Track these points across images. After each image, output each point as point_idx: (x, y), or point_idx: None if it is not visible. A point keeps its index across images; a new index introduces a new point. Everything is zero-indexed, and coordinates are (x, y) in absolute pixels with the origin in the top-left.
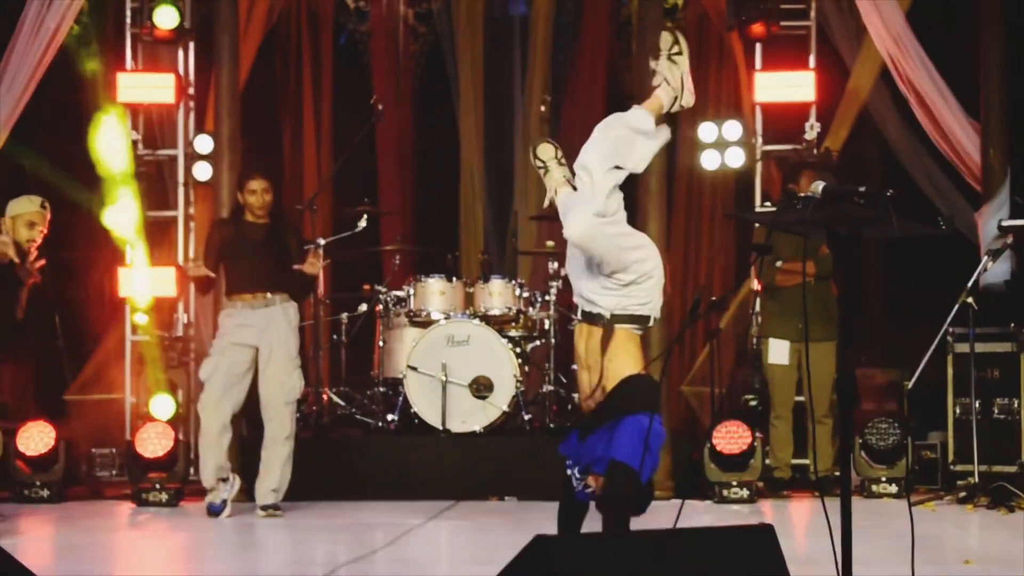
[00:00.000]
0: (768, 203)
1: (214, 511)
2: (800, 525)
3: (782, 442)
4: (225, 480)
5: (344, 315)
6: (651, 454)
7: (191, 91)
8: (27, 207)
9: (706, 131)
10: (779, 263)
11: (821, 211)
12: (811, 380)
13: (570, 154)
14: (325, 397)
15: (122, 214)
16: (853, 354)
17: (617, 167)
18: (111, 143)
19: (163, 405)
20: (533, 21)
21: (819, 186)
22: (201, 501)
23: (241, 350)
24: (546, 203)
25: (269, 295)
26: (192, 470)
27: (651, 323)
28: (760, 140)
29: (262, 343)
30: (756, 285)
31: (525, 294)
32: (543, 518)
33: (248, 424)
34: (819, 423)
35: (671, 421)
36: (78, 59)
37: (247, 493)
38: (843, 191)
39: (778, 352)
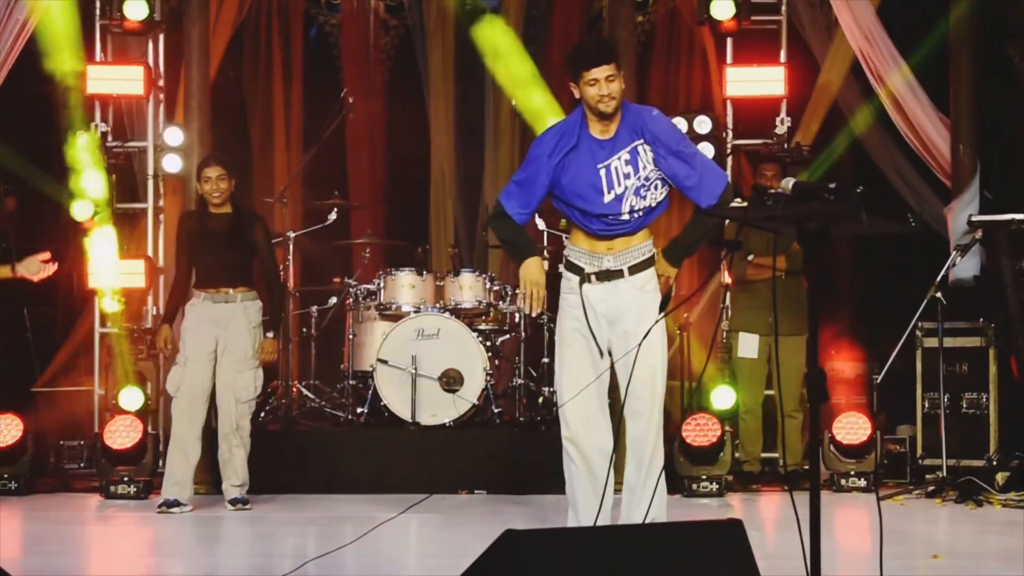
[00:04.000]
0: (739, 199)
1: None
2: (769, 519)
3: (752, 436)
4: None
5: (314, 308)
6: None
7: (161, 83)
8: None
9: (677, 125)
10: (750, 257)
11: (791, 208)
12: (781, 374)
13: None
14: (295, 390)
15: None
16: (822, 349)
17: None
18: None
19: (132, 397)
20: (504, 14)
21: (789, 183)
22: None
23: (204, 359)
24: None
25: (230, 291)
26: (160, 462)
27: None
28: (731, 134)
29: (219, 339)
30: (727, 279)
31: (495, 287)
32: (513, 511)
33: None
34: (789, 417)
35: None
36: (47, 51)
37: (215, 487)
38: (813, 188)
39: (747, 346)
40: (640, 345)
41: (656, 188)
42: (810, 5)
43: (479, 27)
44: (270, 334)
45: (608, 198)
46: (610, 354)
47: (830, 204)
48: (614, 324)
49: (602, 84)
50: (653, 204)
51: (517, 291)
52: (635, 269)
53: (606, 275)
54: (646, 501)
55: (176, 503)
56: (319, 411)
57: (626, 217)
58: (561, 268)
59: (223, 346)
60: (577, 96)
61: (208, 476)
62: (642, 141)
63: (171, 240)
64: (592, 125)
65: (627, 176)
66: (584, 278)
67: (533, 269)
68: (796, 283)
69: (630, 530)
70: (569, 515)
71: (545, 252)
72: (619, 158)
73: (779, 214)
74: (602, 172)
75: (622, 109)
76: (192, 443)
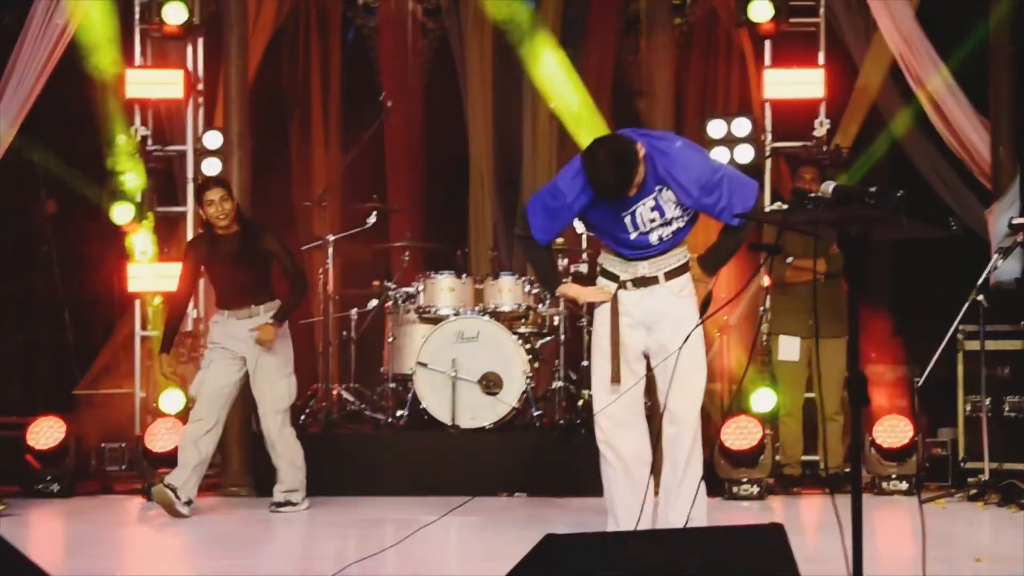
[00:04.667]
0: (779, 202)
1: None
2: (810, 523)
3: (792, 439)
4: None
5: (353, 311)
6: None
7: (200, 87)
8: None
9: (715, 127)
10: (790, 259)
11: (832, 211)
12: (822, 377)
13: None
14: (335, 393)
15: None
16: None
17: None
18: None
19: (172, 400)
20: (542, 16)
21: (829, 186)
22: (212, 496)
23: (229, 362)
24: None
25: (252, 307)
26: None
27: None
28: (769, 137)
29: (249, 353)
30: (766, 282)
31: (535, 291)
32: (553, 514)
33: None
34: (830, 420)
35: None
36: (87, 55)
37: (257, 490)
38: (854, 191)
39: (788, 349)
40: (679, 349)
41: (684, 220)
42: (848, 7)
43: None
44: (271, 320)
45: (635, 235)
46: (647, 358)
47: (870, 208)
48: (651, 329)
49: None
50: (681, 225)
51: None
52: (670, 275)
53: (642, 281)
54: (682, 504)
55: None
56: (359, 414)
57: (655, 243)
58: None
59: (254, 360)
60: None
61: (249, 479)
62: (665, 187)
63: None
64: None
65: (652, 220)
66: (621, 284)
67: (573, 286)
68: (836, 286)
69: (671, 535)
70: (608, 520)
71: (584, 255)
72: (644, 204)
73: (819, 218)
74: (627, 219)
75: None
76: (206, 443)
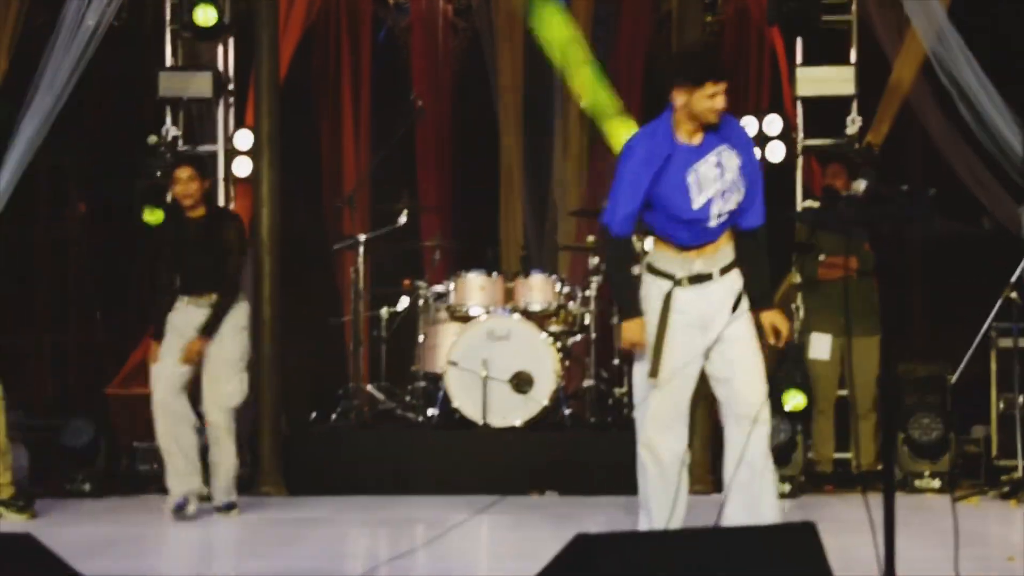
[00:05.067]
0: (810, 200)
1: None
2: (842, 521)
3: (824, 437)
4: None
5: (384, 310)
6: None
7: (231, 87)
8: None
9: (746, 125)
10: (822, 257)
11: (864, 210)
12: (855, 375)
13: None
14: (366, 392)
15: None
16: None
17: None
18: None
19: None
20: (573, 15)
21: (861, 185)
22: (243, 496)
23: (180, 354)
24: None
25: (214, 296)
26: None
27: None
28: (801, 134)
29: (212, 344)
30: (797, 279)
31: (565, 289)
32: (584, 513)
33: (288, 417)
34: (863, 418)
35: (711, 416)
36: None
37: (289, 490)
38: (886, 190)
39: (820, 347)
40: (734, 347)
41: (738, 192)
42: (881, 3)
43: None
44: (200, 336)
45: (697, 203)
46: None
47: (903, 207)
48: (706, 328)
49: (719, 99)
50: (735, 207)
51: (587, 292)
52: (724, 270)
53: (697, 278)
54: (768, 505)
55: (186, 502)
56: (390, 413)
57: (713, 224)
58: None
59: (210, 351)
60: (680, 102)
61: (280, 479)
62: (728, 146)
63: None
64: (682, 132)
65: (714, 180)
66: (677, 282)
67: (638, 332)
68: (868, 284)
69: (702, 534)
70: (641, 518)
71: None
72: (706, 162)
73: (851, 217)
74: (691, 178)
75: None
76: (184, 435)
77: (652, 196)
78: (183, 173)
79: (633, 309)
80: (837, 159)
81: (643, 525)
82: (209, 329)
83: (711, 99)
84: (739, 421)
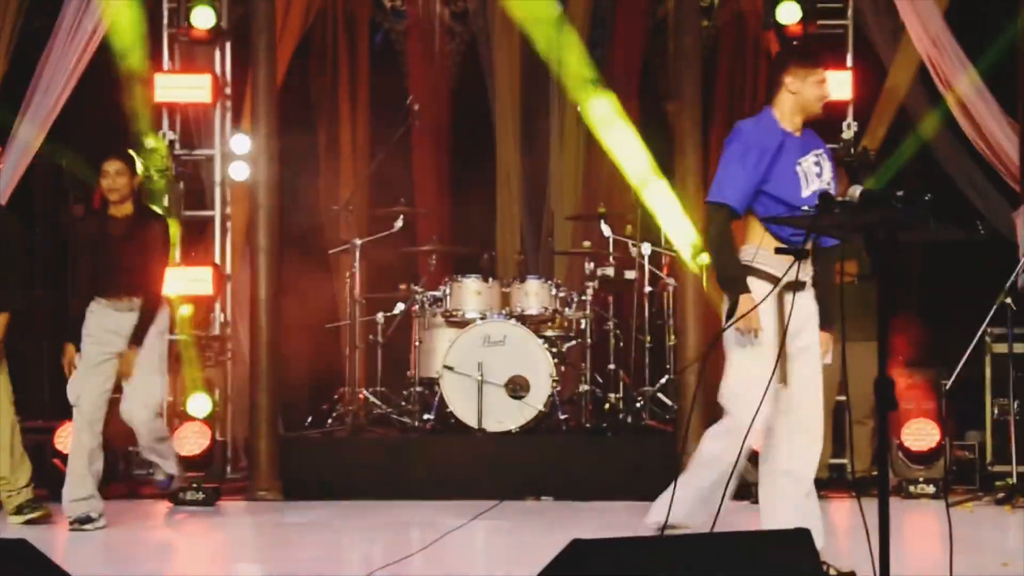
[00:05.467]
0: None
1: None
2: (837, 526)
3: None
4: (87, 520)
5: (380, 315)
6: None
7: (228, 91)
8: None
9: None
10: None
11: (859, 215)
12: (852, 380)
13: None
14: (361, 397)
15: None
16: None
17: None
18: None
19: (200, 404)
20: (569, 18)
21: (857, 190)
22: (240, 500)
23: (107, 365)
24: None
25: (133, 299)
26: (229, 469)
27: None
28: None
29: (122, 348)
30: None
31: (561, 294)
32: (580, 518)
33: (284, 421)
34: (859, 424)
35: (708, 420)
36: (116, 59)
37: (286, 493)
38: (881, 195)
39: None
40: (810, 363)
41: None
42: (876, 9)
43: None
44: (130, 347)
45: (806, 193)
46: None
47: (898, 211)
48: (795, 336)
49: (827, 87)
50: None
51: (583, 297)
52: (813, 280)
53: (797, 285)
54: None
55: (88, 519)
56: (386, 418)
57: None
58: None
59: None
60: (794, 86)
61: (278, 482)
62: (824, 153)
63: (239, 247)
64: (786, 124)
65: (815, 176)
66: (785, 287)
67: (756, 315)
68: (869, 288)
69: (698, 539)
70: (691, 480)
71: (611, 258)
72: (810, 155)
73: (847, 222)
74: (799, 170)
75: None
76: (97, 452)
77: (764, 183)
78: (112, 166)
79: (742, 284)
80: (838, 164)
81: (693, 484)
82: (139, 338)
83: (820, 86)
84: (793, 435)
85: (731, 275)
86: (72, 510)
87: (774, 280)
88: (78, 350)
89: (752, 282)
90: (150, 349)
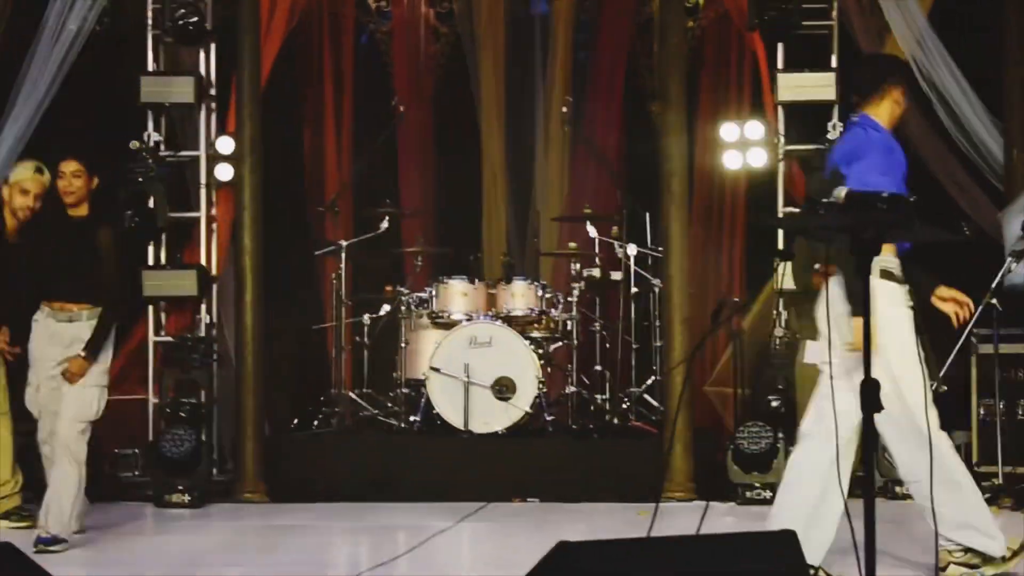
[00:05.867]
0: (791, 207)
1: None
2: None
3: None
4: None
5: (366, 317)
6: None
7: (212, 92)
8: (21, 174)
9: (728, 131)
10: (817, 266)
11: (844, 216)
12: None
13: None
14: (348, 399)
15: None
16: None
17: None
18: None
19: (186, 406)
20: (554, 20)
21: (842, 191)
22: (226, 503)
23: (53, 383)
24: None
25: (75, 308)
26: (215, 471)
27: None
28: (782, 140)
29: (64, 358)
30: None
31: (547, 295)
32: (566, 520)
33: (271, 423)
34: None
35: (694, 422)
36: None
37: (271, 496)
38: (866, 197)
39: (812, 353)
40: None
41: None
42: (861, 9)
43: None
44: (82, 352)
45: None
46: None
47: (883, 213)
48: None
49: None
50: None
51: (569, 298)
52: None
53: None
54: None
55: (57, 539)
56: (372, 419)
57: None
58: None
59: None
60: (901, 100)
61: (263, 485)
62: None
63: (224, 248)
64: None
65: None
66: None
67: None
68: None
69: (684, 542)
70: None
71: (597, 259)
72: None
73: (832, 223)
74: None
75: None
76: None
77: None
78: (68, 167)
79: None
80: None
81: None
82: (95, 346)
83: (902, 105)
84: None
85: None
86: (55, 528)
87: (901, 281)
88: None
89: (888, 285)
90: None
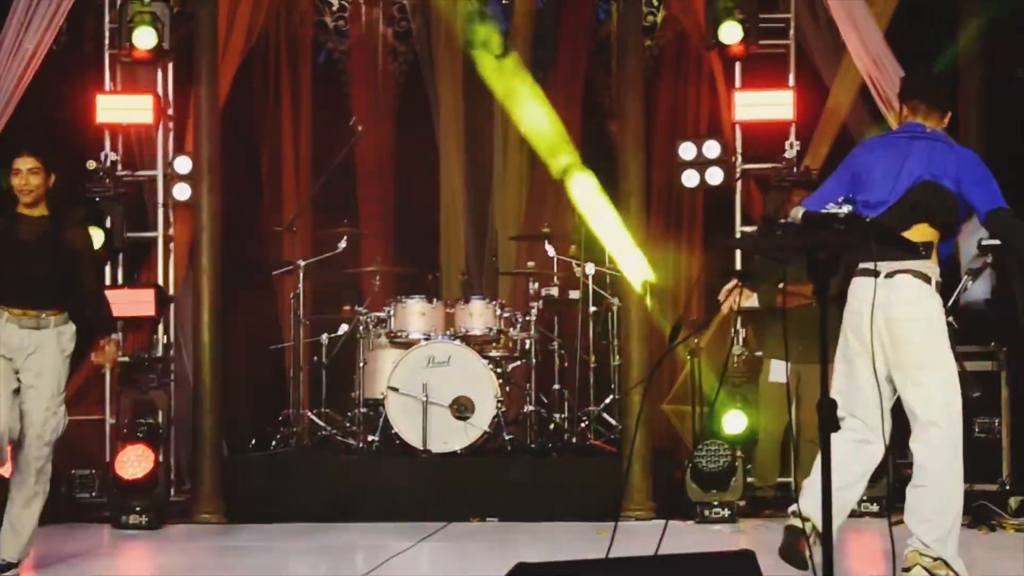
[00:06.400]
0: (747, 228)
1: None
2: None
3: (771, 462)
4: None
5: (324, 336)
6: None
7: (170, 112)
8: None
9: (685, 150)
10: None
11: (801, 237)
12: (806, 400)
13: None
14: (306, 418)
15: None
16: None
17: None
18: None
19: (143, 427)
20: (512, 39)
21: (799, 212)
22: (182, 524)
23: (11, 397)
24: None
25: (43, 315)
26: (173, 491)
27: None
28: (740, 159)
29: (25, 369)
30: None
31: (506, 314)
32: (525, 539)
33: (228, 443)
34: (811, 442)
35: (653, 440)
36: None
37: (228, 516)
38: (823, 217)
39: (779, 372)
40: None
41: None
42: (818, 29)
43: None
44: (115, 335)
45: None
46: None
47: (840, 233)
48: None
49: None
50: None
51: (528, 317)
52: None
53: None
54: None
55: (9, 565)
56: (330, 439)
57: None
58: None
59: (31, 378)
60: (903, 115)
61: (221, 505)
62: None
63: (181, 268)
64: None
65: None
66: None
67: None
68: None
69: (643, 563)
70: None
71: (555, 278)
72: None
73: (788, 244)
74: None
75: None
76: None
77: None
78: (24, 163)
79: None
80: (803, 186)
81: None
82: (108, 327)
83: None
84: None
85: None
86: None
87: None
88: None
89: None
90: (53, 375)
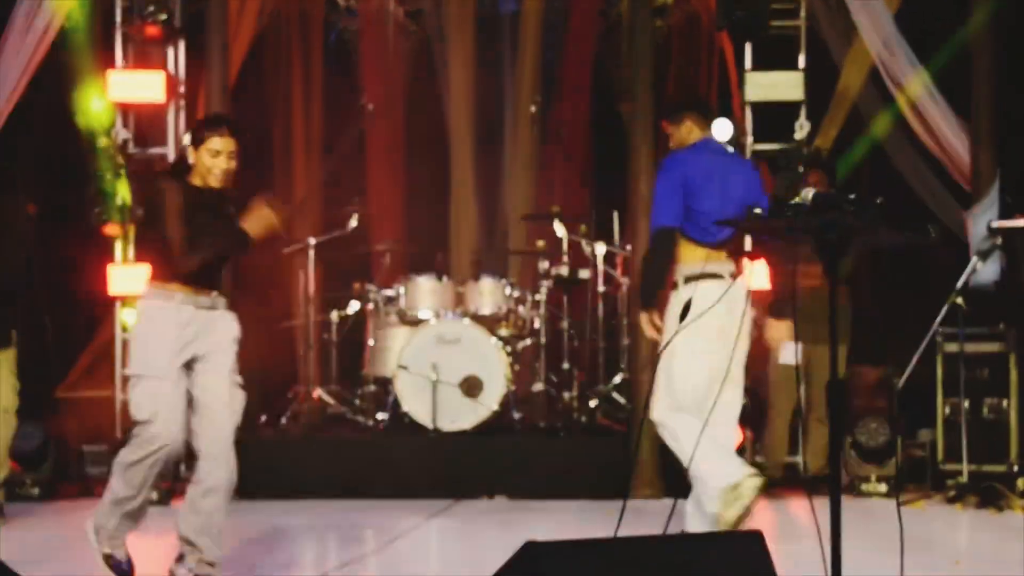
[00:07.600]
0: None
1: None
2: (789, 526)
3: (780, 442)
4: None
5: (334, 314)
6: None
7: (181, 90)
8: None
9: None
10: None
11: (810, 218)
12: (815, 381)
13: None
14: (315, 396)
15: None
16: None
17: None
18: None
19: None
20: (523, 19)
21: (809, 193)
22: None
23: (182, 372)
24: None
25: (215, 295)
26: (184, 467)
27: None
28: (750, 139)
29: (201, 349)
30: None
31: (515, 294)
32: (534, 518)
33: None
34: (819, 422)
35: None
36: (69, 57)
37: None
38: (833, 199)
39: (789, 353)
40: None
41: None
42: (829, 10)
43: None
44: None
45: None
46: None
47: (849, 215)
48: None
49: None
50: None
51: (537, 296)
52: None
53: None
54: None
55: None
56: (340, 417)
57: None
58: None
59: (207, 354)
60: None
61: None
62: None
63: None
64: None
65: None
66: None
67: None
68: (842, 292)
69: (651, 542)
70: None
71: (565, 258)
72: None
73: (797, 225)
74: None
75: None
76: None
77: None
78: (224, 145)
79: None
80: (819, 166)
81: None
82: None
83: None
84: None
85: None
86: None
87: None
88: None
89: None
90: (229, 355)
